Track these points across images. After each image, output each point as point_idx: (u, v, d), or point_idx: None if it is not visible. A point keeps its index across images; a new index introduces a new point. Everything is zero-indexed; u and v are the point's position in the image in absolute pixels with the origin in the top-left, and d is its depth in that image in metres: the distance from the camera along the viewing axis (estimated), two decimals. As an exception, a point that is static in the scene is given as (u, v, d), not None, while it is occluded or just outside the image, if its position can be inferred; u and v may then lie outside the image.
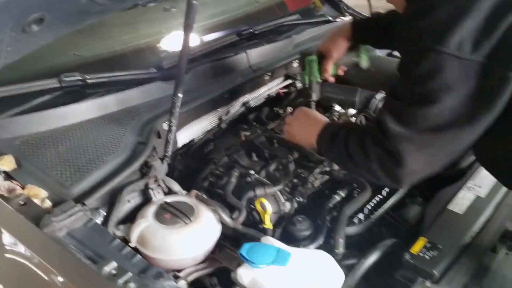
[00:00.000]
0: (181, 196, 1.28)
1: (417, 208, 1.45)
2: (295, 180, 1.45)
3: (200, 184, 1.48)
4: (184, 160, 1.68)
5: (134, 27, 1.81)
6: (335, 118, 1.74)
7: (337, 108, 1.79)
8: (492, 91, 0.93)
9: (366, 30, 1.57)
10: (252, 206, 1.34)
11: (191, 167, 1.66)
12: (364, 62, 1.60)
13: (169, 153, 1.35)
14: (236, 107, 1.80)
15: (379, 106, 1.78)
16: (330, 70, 1.60)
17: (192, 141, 1.71)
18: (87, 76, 1.48)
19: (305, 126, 1.40)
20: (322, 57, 1.60)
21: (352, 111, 1.74)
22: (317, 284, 1.08)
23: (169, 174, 1.63)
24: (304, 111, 1.46)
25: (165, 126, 1.43)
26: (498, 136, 1.01)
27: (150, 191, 1.27)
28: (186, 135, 1.63)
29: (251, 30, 1.92)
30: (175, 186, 1.37)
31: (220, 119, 1.75)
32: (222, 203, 1.35)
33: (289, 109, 1.78)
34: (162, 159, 1.35)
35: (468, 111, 0.95)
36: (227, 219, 1.24)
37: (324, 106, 1.86)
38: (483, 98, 0.94)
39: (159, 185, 1.30)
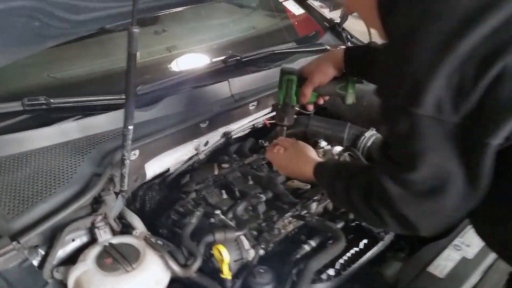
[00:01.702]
0: (129, 238, 1.17)
1: (397, 264, 1.30)
2: (263, 224, 1.32)
3: (163, 222, 1.37)
4: (160, 191, 1.58)
5: (118, 50, 1.73)
6: (320, 155, 1.62)
7: (323, 144, 1.66)
8: (475, 158, 0.81)
9: (360, 60, 1.35)
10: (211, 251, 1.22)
11: (166, 199, 1.57)
12: (350, 98, 1.38)
13: (125, 187, 1.25)
14: (215, 138, 1.69)
15: (368, 144, 1.66)
16: (308, 96, 1.38)
17: (168, 170, 1.61)
18: (52, 100, 1.39)
19: (296, 157, 1.32)
20: (303, 80, 1.38)
21: (338, 148, 1.61)
22: None
23: (140, 206, 1.55)
24: (290, 141, 1.39)
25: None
26: (495, 206, 0.88)
27: (96, 230, 1.16)
28: (159, 165, 1.53)
29: (238, 57, 1.82)
30: (136, 222, 1.27)
31: (197, 149, 1.64)
32: (182, 245, 1.25)
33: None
34: (117, 194, 1.25)
35: None
36: (175, 267, 1.12)
37: (309, 141, 1.74)
38: (468, 163, 0.82)
39: (107, 224, 1.19)
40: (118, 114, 1.46)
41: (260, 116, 1.81)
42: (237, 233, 1.23)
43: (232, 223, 1.29)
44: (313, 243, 1.27)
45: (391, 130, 0.91)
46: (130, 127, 1.12)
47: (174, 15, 2.01)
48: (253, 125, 1.79)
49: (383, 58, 0.91)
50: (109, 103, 1.50)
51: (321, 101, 1.44)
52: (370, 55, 1.33)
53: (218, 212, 1.32)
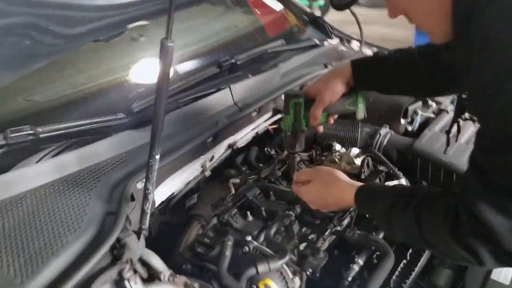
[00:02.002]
0: (165, 285, 1.00)
1: (447, 272, 1.21)
2: (303, 246, 1.20)
3: (185, 256, 1.21)
4: (162, 216, 1.42)
5: (97, 63, 1.53)
6: (336, 159, 1.51)
7: (337, 147, 1.56)
8: None
9: (370, 73, 1.25)
10: (254, 287, 1.08)
11: (171, 224, 1.40)
12: (361, 113, 1.29)
13: (146, 224, 1.08)
14: (221, 150, 1.54)
15: (384, 143, 1.57)
16: (319, 117, 1.26)
17: (171, 194, 1.44)
18: (39, 129, 1.19)
19: (326, 187, 1.19)
20: (311, 101, 1.27)
21: (355, 150, 1.51)
22: None
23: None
24: (311, 171, 1.26)
25: (139, 185, 1.16)
26: None
27: (126, 282, 0.98)
28: (164, 190, 1.36)
29: (233, 61, 1.67)
30: (156, 261, 1.10)
31: (203, 166, 1.48)
32: (214, 281, 1.10)
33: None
34: (137, 233, 1.08)
35: None
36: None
37: (321, 145, 1.63)
38: None
39: (135, 272, 1.02)
40: (118, 138, 1.28)
41: (262, 122, 1.67)
42: (281, 261, 1.09)
43: (269, 250, 1.15)
44: (360, 261, 1.16)
45: (504, 159, 0.75)
46: (157, 157, 0.95)
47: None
48: (257, 132, 1.65)
49: (476, 73, 0.76)
50: (104, 125, 1.32)
51: (331, 121, 1.33)
52: (379, 65, 1.25)
53: (249, 238, 1.18)
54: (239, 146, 1.60)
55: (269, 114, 1.70)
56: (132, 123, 1.35)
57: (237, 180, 1.49)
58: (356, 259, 1.16)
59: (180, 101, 1.45)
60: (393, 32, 5.53)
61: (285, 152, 1.53)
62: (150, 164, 0.97)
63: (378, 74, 1.24)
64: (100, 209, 1.09)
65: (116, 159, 1.24)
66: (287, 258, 1.11)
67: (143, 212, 1.05)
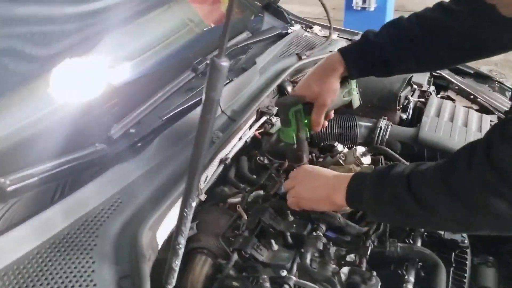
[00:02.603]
0: None
1: (491, 271, 1.14)
2: (343, 271, 1.05)
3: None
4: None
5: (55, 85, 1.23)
6: (341, 161, 1.37)
7: (340, 147, 1.42)
8: None
9: (367, 59, 1.15)
10: (307, 331, 0.92)
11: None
12: (356, 101, 1.23)
13: (173, 283, 0.87)
14: (212, 168, 1.34)
15: (386, 136, 1.46)
16: (322, 122, 1.18)
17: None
18: (7, 181, 0.92)
19: (315, 180, 1.10)
20: (308, 104, 1.17)
21: (360, 149, 1.38)
22: None
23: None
24: (304, 169, 1.16)
25: (161, 234, 0.96)
26: None
27: None
28: (165, 228, 1.14)
29: (207, 62, 1.46)
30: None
31: (197, 190, 1.27)
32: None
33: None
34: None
35: None
36: None
37: (318, 146, 1.48)
38: None
39: None
40: (107, 177, 1.04)
41: (248, 129, 1.49)
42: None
43: (313, 284, 0.99)
44: (411, 278, 1.04)
45: None
46: (193, 204, 0.75)
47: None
48: (245, 141, 1.46)
49: None
50: (83, 162, 1.06)
51: (331, 116, 1.24)
52: (374, 48, 1.14)
53: (284, 273, 1.01)
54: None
55: (253, 118, 1.52)
56: (115, 153, 1.10)
57: (236, 199, 1.31)
58: (406, 277, 1.04)
59: (164, 119, 1.22)
60: (310, 10, 5.49)
61: (286, 163, 1.37)
62: (185, 214, 0.76)
63: (376, 59, 1.13)
64: (111, 273, 0.86)
65: (109, 203, 1.00)
66: (337, 291, 0.96)
67: (170, 270, 0.85)
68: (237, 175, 1.44)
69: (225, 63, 0.61)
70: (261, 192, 1.34)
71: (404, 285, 1.02)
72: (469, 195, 0.79)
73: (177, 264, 0.84)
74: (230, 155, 1.38)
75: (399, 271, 1.09)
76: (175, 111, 1.25)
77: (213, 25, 1.88)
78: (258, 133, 1.54)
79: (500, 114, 1.67)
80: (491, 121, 1.58)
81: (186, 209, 0.75)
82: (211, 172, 1.32)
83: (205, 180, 1.30)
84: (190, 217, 0.77)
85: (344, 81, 1.19)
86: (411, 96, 1.64)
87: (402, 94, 1.58)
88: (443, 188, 0.81)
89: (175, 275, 0.86)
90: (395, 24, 1.16)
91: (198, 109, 1.28)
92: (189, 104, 1.28)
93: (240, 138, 1.44)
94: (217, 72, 0.61)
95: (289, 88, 1.70)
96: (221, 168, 1.35)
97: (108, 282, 0.84)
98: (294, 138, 1.16)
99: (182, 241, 0.80)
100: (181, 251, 0.82)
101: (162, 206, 1.00)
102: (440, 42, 1.10)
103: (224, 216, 1.25)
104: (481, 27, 1.03)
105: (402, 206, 0.89)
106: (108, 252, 0.90)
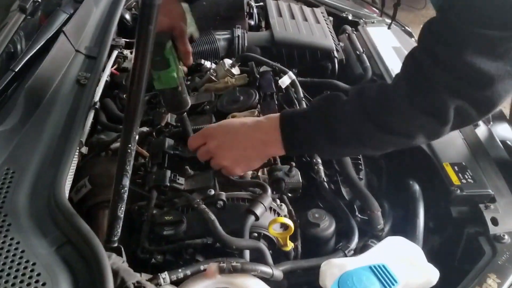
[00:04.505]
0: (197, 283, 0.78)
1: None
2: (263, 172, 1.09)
3: (144, 250, 0.94)
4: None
5: None
6: (213, 77, 1.36)
7: (207, 64, 1.40)
8: None
9: None
10: (255, 234, 0.95)
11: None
12: (195, 32, 1.14)
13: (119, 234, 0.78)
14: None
15: (246, 44, 1.48)
16: (190, 49, 1.07)
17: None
18: None
19: (240, 149, 0.97)
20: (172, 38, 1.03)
21: (228, 61, 1.37)
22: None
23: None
24: (212, 133, 1.00)
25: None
26: None
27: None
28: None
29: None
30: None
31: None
32: (200, 255, 0.92)
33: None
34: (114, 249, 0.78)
35: None
36: (269, 270, 0.83)
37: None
38: None
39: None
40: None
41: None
42: (270, 196, 0.98)
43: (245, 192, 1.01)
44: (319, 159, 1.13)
45: None
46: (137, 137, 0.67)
47: None
48: (106, 80, 1.31)
49: None
50: None
51: (193, 40, 1.15)
52: None
53: (213, 192, 0.99)
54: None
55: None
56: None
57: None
58: (314, 160, 1.12)
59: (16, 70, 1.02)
60: None
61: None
62: (129, 150, 0.68)
63: None
64: (44, 246, 0.73)
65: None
66: (269, 190, 0.99)
67: (115, 218, 0.76)
68: (109, 119, 1.31)
69: None
70: (145, 128, 1.26)
71: (316, 167, 1.11)
72: (433, 103, 0.79)
73: (122, 210, 0.75)
74: (97, 98, 1.24)
75: (304, 159, 1.18)
76: (25, 59, 1.05)
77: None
78: (114, 69, 1.41)
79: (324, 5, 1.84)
80: (322, 12, 1.73)
81: (130, 145, 0.67)
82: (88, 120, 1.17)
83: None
84: (134, 153, 0.69)
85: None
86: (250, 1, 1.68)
87: (245, 0, 1.60)
88: (412, 109, 0.80)
89: (121, 223, 0.77)
90: None
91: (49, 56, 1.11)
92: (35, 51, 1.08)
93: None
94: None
95: (128, 16, 1.57)
96: (92, 113, 1.21)
97: (46, 254, 0.72)
98: (177, 79, 1.01)
99: (127, 182, 0.72)
100: (125, 195, 0.74)
101: (66, 161, 0.86)
102: None
103: (112, 164, 1.14)
104: None
105: (362, 138, 0.86)
106: (29, 226, 0.76)
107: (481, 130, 1.20)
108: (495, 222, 0.95)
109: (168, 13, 1.01)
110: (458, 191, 1.00)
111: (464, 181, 1.02)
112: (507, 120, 1.36)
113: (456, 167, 1.06)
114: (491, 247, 0.91)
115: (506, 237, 0.92)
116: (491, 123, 1.28)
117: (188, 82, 1.38)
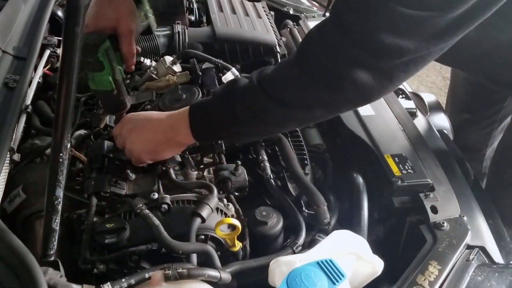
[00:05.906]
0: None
1: (314, 130, 1.31)
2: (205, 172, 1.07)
3: (86, 260, 0.90)
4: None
5: None
6: (153, 75, 1.32)
7: (147, 61, 1.35)
8: None
9: None
10: (202, 237, 0.93)
11: None
12: (154, 24, 1.16)
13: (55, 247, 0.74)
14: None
15: (187, 40, 1.45)
16: (135, 50, 1.05)
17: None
18: None
19: (149, 134, 0.98)
20: (113, 38, 1.00)
21: (168, 58, 1.33)
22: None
23: None
24: (129, 120, 1.02)
25: None
26: None
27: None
28: None
29: None
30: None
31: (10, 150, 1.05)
32: (146, 261, 0.90)
33: None
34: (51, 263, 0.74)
35: None
36: (217, 274, 0.82)
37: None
38: None
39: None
40: None
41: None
42: (216, 196, 0.96)
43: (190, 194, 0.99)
44: (265, 157, 1.12)
45: None
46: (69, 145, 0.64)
47: None
48: (38, 81, 1.24)
49: None
50: None
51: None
52: None
53: (156, 196, 0.97)
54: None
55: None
56: None
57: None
58: (260, 157, 1.12)
59: None
60: None
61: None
62: (61, 159, 0.64)
63: None
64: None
65: None
66: (215, 190, 0.98)
67: (50, 232, 0.72)
68: (43, 122, 1.25)
69: None
70: (82, 131, 1.21)
71: (262, 164, 1.11)
72: (332, 75, 0.79)
73: (57, 223, 0.71)
74: (28, 101, 1.17)
75: (250, 156, 1.17)
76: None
77: None
78: (47, 69, 1.34)
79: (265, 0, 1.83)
80: (263, 7, 1.72)
81: (61, 154, 0.63)
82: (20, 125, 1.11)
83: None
84: (67, 162, 0.65)
85: (137, 2, 1.06)
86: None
87: (184, -4, 1.56)
88: (305, 79, 0.81)
89: (56, 236, 0.73)
90: None
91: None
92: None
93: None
94: None
95: (60, 13, 1.49)
96: (24, 118, 1.14)
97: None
98: (112, 82, 0.99)
99: (61, 193, 0.68)
100: (60, 207, 0.70)
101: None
102: None
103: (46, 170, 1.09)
104: None
105: (262, 115, 0.87)
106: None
107: (419, 121, 1.24)
108: (434, 210, 0.98)
109: (116, 8, 0.99)
110: (399, 181, 1.03)
111: (404, 171, 1.05)
112: (443, 110, 1.41)
113: (396, 159, 1.08)
114: (432, 234, 0.94)
115: (445, 224, 0.95)
116: (428, 113, 1.33)
117: (128, 81, 1.34)
